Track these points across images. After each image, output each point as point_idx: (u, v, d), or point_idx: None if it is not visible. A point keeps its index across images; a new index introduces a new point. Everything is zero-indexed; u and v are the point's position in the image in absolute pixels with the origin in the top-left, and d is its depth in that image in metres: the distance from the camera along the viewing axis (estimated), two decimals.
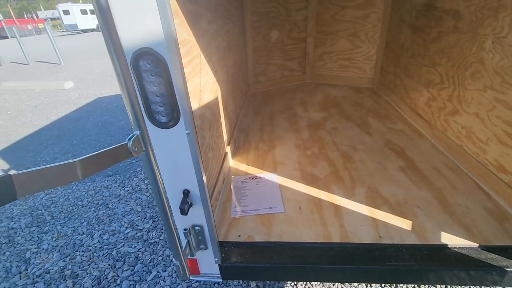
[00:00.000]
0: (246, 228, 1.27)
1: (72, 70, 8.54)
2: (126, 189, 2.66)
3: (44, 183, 0.46)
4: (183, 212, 0.90)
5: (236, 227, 1.28)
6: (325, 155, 1.82)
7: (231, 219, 1.33)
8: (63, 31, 31.99)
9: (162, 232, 2.13)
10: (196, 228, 1.03)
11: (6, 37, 26.11)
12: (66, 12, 26.98)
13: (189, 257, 1.09)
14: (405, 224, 1.24)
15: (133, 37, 0.70)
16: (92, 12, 28.42)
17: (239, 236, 1.23)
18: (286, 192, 1.50)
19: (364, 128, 2.17)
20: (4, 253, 2.04)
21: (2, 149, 3.65)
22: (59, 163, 0.47)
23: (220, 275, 1.15)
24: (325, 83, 3.35)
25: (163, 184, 0.87)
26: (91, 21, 28.26)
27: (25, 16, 48.08)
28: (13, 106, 5.45)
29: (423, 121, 2.06)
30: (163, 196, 0.80)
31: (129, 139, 0.66)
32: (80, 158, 0.51)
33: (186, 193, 0.94)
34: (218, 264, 1.12)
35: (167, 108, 0.80)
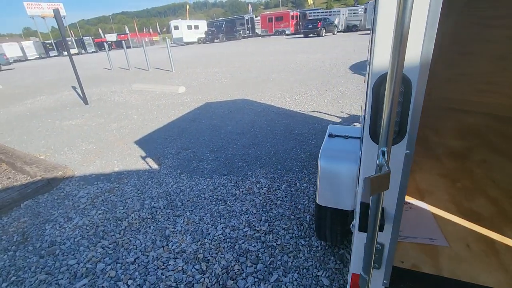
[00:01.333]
0: (408, 256, 1.22)
1: (182, 77, 9.86)
2: (241, 189, 2.89)
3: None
4: (381, 228, 0.92)
5: (395, 252, 1.24)
6: (482, 191, 1.62)
7: None
8: (171, 43, 37.51)
9: (279, 237, 2.22)
10: (377, 245, 1.04)
11: (129, 47, 32.03)
12: (176, 28, 31.55)
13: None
14: None
15: (379, 63, 0.76)
16: (195, 27, 32.57)
17: (402, 262, 1.19)
18: (443, 224, 1.39)
19: None
20: (150, 227, 2.45)
21: (139, 139, 4.44)
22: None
23: None
24: (455, 108, 3.02)
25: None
26: (194, 35, 32.30)
27: (144, 30, 58.41)
28: (142, 104, 6.59)
29: None
30: (379, 209, 0.83)
31: (382, 154, 0.71)
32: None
33: (382, 210, 0.95)
34: (385, 287, 1.10)
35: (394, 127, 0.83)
